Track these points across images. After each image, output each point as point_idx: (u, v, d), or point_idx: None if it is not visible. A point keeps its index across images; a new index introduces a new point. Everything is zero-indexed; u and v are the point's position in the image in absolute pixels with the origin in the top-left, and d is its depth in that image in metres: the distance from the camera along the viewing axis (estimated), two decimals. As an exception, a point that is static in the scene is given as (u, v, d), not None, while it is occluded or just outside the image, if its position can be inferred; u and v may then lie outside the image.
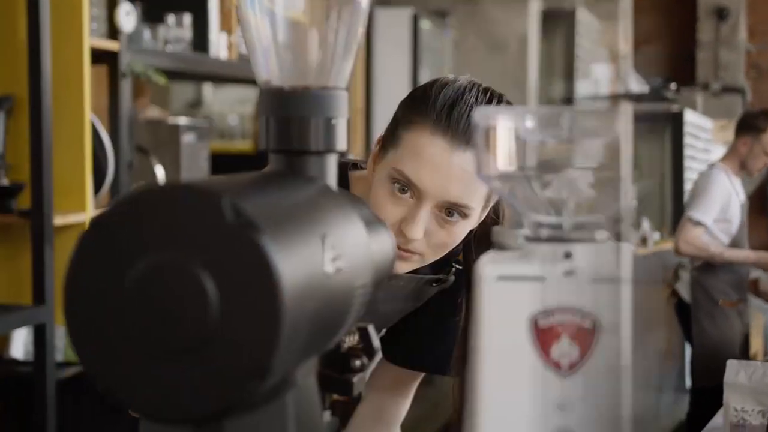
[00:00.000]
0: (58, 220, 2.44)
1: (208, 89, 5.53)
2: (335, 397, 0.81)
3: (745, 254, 4.30)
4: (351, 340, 0.83)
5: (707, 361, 4.09)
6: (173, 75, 3.19)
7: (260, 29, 0.81)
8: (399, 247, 1.21)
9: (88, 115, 2.53)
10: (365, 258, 0.78)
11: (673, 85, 6.24)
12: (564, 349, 0.68)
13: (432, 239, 1.23)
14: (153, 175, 2.90)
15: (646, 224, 6.13)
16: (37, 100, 2.38)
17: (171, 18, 3.05)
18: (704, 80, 7.31)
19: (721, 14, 9.29)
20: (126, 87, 2.72)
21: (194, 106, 5.53)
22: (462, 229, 1.24)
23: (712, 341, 4.11)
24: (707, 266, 4.28)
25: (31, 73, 2.39)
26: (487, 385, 0.69)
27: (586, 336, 0.68)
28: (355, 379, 0.79)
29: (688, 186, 6.84)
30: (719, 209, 4.17)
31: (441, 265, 1.36)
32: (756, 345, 5.13)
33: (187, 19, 3.05)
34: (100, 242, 0.65)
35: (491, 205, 1.29)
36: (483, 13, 5.42)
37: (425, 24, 5.27)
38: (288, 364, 0.64)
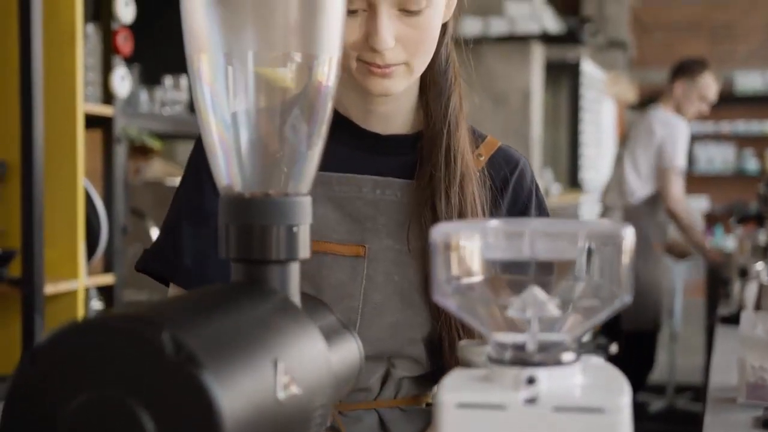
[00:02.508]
0: (50, 289, 2.42)
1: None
2: None
3: (702, 241, 4.48)
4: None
5: (638, 305, 4.06)
6: (170, 137, 3.19)
7: (221, 134, 0.79)
8: (378, 66, 1.13)
9: (82, 181, 2.52)
10: (325, 376, 0.75)
11: (588, 27, 6.23)
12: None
13: (407, 43, 1.13)
14: (148, 238, 2.88)
15: (548, 175, 6.15)
16: (29, 167, 2.37)
17: (168, 80, 3.05)
18: (594, 24, 7.31)
19: None
20: (120, 151, 2.71)
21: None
22: (433, 17, 1.14)
23: (643, 284, 4.04)
24: (644, 205, 4.29)
25: (23, 140, 2.38)
26: None
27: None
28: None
29: (584, 138, 6.93)
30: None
31: None
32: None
33: (184, 81, 3.05)
34: (37, 375, 0.62)
35: None
36: (486, 68, 5.43)
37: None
38: None
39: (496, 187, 1.24)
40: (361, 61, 1.14)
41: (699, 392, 5.01)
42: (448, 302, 0.69)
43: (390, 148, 1.24)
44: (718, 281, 4.59)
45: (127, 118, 2.77)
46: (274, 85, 0.78)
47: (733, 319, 2.76)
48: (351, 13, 1.11)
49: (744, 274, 3.20)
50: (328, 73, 0.79)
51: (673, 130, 4.29)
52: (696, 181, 10.07)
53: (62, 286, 2.48)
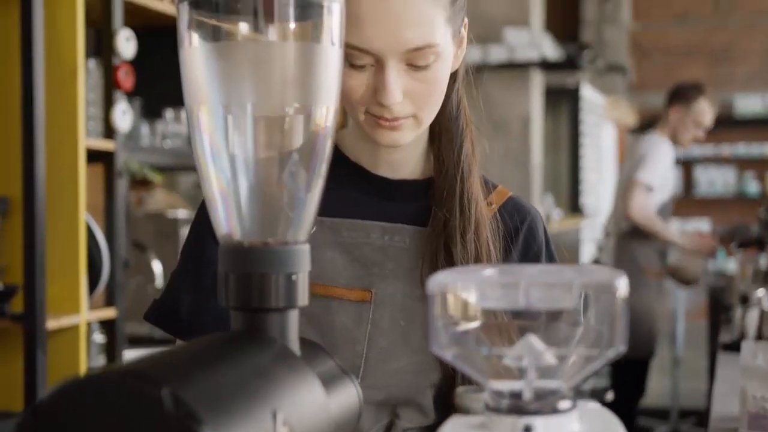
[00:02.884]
0: (52, 324, 2.43)
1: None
2: None
3: (678, 239, 4.37)
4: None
5: (630, 332, 4.03)
6: (171, 169, 3.21)
7: (220, 184, 0.80)
8: (387, 119, 1.13)
9: (83, 216, 2.53)
10: (324, 424, 0.75)
11: (587, 53, 6.26)
12: None
13: (414, 96, 1.13)
14: (150, 271, 2.89)
15: (549, 200, 6.16)
16: (31, 203, 2.38)
17: (169, 113, 3.07)
18: (592, 50, 7.33)
19: None
20: (122, 186, 2.73)
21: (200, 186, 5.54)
22: (440, 70, 1.14)
23: (635, 311, 4.04)
24: (635, 231, 4.28)
25: (25, 175, 2.40)
26: None
27: None
28: None
29: (584, 162, 6.95)
30: (661, 177, 4.22)
31: None
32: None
33: (185, 113, 3.06)
34: (38, 430, 0.63)
35: (462, 20, 1.18)
36: (486, 95, 5.45)
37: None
38: None
39: (508, 236, 1.24)
40: (370, 114, 1.14)
41: (703, 417, 5.00)
42: (445, 352, 0.70)
43: (400, 193, 1.24)
44: (720, 306, 4.58)
45: (129, 152, 2.78)
46: (273, 135, 0.80)
47: (735, 346, 2.76)
48: (359, 67, 1.11)
49: (745, 300, 3.20)
50: (325, 122, 0.80)
51: (653, 148, 4.31)
52: (697, 204, 10.09)
53: (64, 321, 2.49)
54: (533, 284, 0.70)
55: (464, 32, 1.21)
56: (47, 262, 2.44)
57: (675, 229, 4.38)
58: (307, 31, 0.80)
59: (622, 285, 0.68)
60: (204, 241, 1.23)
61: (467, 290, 0.70)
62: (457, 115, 1.25)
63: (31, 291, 2.37)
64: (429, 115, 1.16)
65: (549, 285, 0.70)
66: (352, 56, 1.10)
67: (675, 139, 4.36)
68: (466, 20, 1.19)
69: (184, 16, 0.79)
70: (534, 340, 0.70)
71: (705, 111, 4.31)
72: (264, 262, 0.78)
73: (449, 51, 1.15)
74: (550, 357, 0.70)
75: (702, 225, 9.98)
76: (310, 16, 0.80)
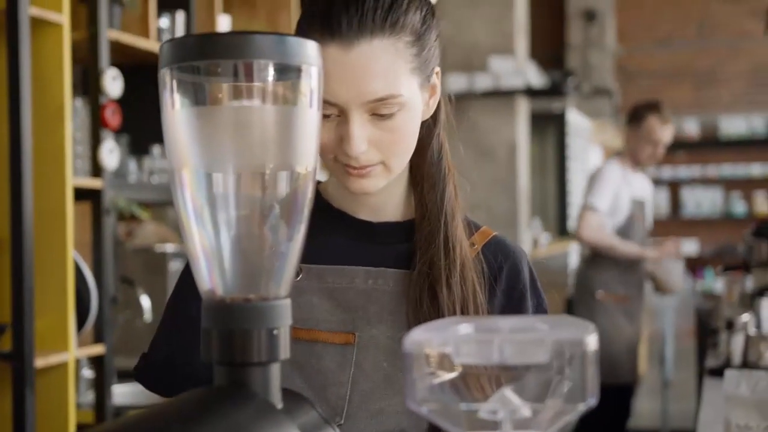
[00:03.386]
0: (40, 362, 2.43)
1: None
2: None
3: (637, 250, 4.33)
4: None
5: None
6: (160, 204, 3.23)
7: (202, 242, 0.82)
8: (354, 167, 1.14)
9: (71, 254, 2.54)
10: (306, 478, 0.77)
11: (571, 80, 6.29)
12: None
13: (380, 145, 1.14)
14: (138, 306, 2.90)
15: (537, 225, 6.18)
16: (19, 241, 2.39)
17: (156, 149, 3.10)
18: (576, 77, 7.36)
19: (589, 16, 9.52)
20: (109, 223, 2.74)
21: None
22: (406, 119, 1.15)
23: (601, 340, 3.99)
24: (593, 258, 4.30)
25: (13, 214, 2.41)
26: None
27: None
28: None
29: (571, 186, 6.99)
30: (611, 199, 4.21)
31: None
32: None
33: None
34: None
35: (432, 69, 1.19)
36: (472, 122, 5.49)
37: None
38: None
39: (492, 276, 1.25)
40: (339, 162, 1.17)
41: (693, 440, 5.01)
42: (421, 407, 0.72)
43: (382, 236, 1.26)
44: (707, 329, 4.59)
45: (116, 189, 2.80)
46: (254, 195, 0.82)
47: (721, 372, 2.77)
48: (325, 117, 1.13)
49: (730, 325, 3.23)
50: (305, 181, 0.83)
51: (602, 171, 4.35)
52: (684, 225, 10.14)
53: (53, 359, 2.50)
54: (507, 340, 0.72)
55: (436, 80, 1.22)
56: (36, 300, 2.45)
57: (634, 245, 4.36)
58: (287, 94, 0.82)
59: (592, 341, 0.71)
60: (186, 298, 1.25)
61: (443, 347, 0.72)
62: (439, 160, 1.27)
63: (19, 329, 2.38)
64: (398, 162, 1.18)
65: (522, 342, 0.72)
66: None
67: (636, 160, 4.36)
68: (438, 69, 1.21)
69: (166, 80, 0.81)
70: (509, 394, 0.73)
71: (655, 128, 4.28)
72: (246, 318, 0.80)
73: (416, 100, 1.16)
74: (525, 409, 0.73)
75: (690, 245, 10.03)
76: (289, 77, 0.83)
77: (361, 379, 1.19)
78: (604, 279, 4.29)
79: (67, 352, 2.53)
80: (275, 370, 0.81)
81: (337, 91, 1.11)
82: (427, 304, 1.19)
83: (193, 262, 0.83)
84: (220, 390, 0.79)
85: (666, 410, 5.47)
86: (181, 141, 0.82)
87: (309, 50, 0.81)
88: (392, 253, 1.25)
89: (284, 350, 0.81)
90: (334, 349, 1.20)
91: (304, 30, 1.14)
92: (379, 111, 1.13)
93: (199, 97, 0.83)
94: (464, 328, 0.75)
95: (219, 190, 0.81)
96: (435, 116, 1.26)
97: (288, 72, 0.82)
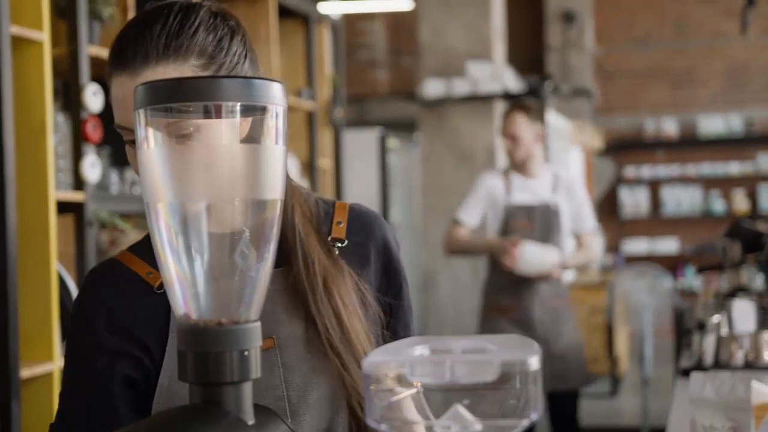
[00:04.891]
0: (25, 373, 2.48)
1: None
2: None
3: (482, 241, 4.20)
4: None
5: None
6: (142, 214, 3.28)
7: (177, 270, 0.88)
8: None
9: (54, 266, 2.59)
10: (275, 489, 0.83)
11: (548, 84, 6.29)
12: None
13: None
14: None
15: None
16: (3, 254, 2.44)
17: (137, 160, 3.15)
18: (553, 81, 7.36)
19: (568, 18, 9.63)
20: (92, 235, 2.79)
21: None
22: (214, 141, 1.12)
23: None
24: (486, 279, 4.23)
25: (-3, 228, 2.46)
26: None
27: None
28: None
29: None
30: (482, 209, 4.16)
31: None
32: None
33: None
34: None
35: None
36: (450, 127, 5.56)
37: (393, 142, 5.39)
38: None
39: (361, 252, 1.32)
40: None
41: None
42: (380, 425, 0.79)
43: None
44: (684, 328, 4.65)
45: (98, 202, 2.85)
46: (224, 225, 0.88)
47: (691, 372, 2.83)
48: (131, 143, 1.20)
49: (701, 326, 3.29)
50: (273, 210, 0.89)
51: (474, 183, 4.29)
52: (665, 224, 10.26)
53: (38, 369, 2.55)
54: (458, 361, 0.78)
55: None
56: (20, 311, 2.50)
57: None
58: (253, 132, 0.88)
59: (535, 361, 0.77)
60: (90, 353, 1.25)
61: (398, 368, 0.78)
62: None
63: (4, 341, 2.43)
64: None
65: (472, 362, 0.79)
66: (129, 135, 1.20)
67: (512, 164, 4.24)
68: None
69: (141, 120, 0.87)
70: (461, 410, 0.79)
71: (507, 121, 4.13)
72: (219, 340, 0.86)
73: (217, 122, 1.21)
74: (476, 425, 0.79)
75: (670, 244, 10.14)
76: (255, 116, 0.89)
77: (291, 376, 1.25)
78: (490, 292, 4.19)
79: (52, 363, 2.59)
80: (247, 388, 0.88)
81: (129, 118, 1.18)
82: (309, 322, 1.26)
83: (169, 288, 0.89)
84: (195, 408, 0.85)
85: (646, 407, 5.55)
86: (156, 176, 0.88)
87: (274, 91, 0.88)
88: None
89: (255, 370, 0.87)
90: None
91: (107, 63, 1.23)
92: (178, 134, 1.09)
93: (171, 136, 0.89)
94: (419, 349, 0.82)
95: (191, 221, 0.87)
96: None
97: (254, 111, 0.88)
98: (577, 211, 4.23)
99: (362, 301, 1.29)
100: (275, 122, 0.88)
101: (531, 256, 4.00)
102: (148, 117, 0.87)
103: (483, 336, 0.85)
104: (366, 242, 1.33)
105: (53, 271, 2.57)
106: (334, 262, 1.29)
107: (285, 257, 1.28)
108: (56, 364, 2.60)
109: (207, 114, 0.87)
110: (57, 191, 2.65)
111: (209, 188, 0.87)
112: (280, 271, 1.28)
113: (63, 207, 2.72)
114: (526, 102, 4.22)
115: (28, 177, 2.57)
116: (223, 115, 0.86)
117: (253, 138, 0.89)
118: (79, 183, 2.76)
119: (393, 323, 1.33)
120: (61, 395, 1.28)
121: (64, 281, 2.67)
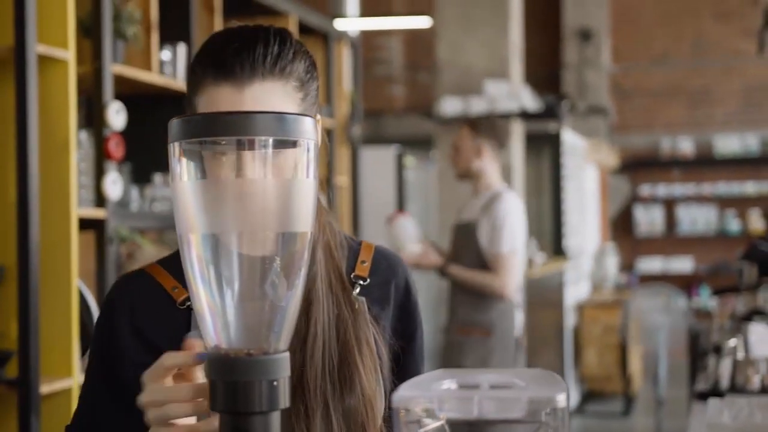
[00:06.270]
0: (45, 388, 2.50)
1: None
2: None
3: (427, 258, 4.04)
4: None
5: None
6: (162, 231, 3.30)
7: (208, 301, 0.90)
8: None
9: (76, 283, 2.62)
10: None
11: (565, 103, 6.28)
12: None
13: None
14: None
15: (533, 245, 6.22)
16: (26, 270, 2.47)
17: (158, 177, 3.17)
18: (570, 101, 7.31)
19: (585, 36, 9.61)
20: (113, 252, 2.82)
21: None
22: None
23: None
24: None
25: (20, 244, 2.49)
26: None
27: None
28: None
29: (567, 206, 7.04)
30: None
31: None
32: None
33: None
34: None
35: (314, 115, 1.22)
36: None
37: (410, 161, 5.40)
38: None
39: (382, 292, 1.33)
40: None
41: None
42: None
43: None
44: (699, 349, 4.63)
45: (119, 219, 2.88)
46: (255, 257, 0.89)
47: (707, 396, 2.82)
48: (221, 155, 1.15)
49: (718, 350, 3.28)
50: (303, 242, 0.91)
51: None
52: (679, 243, 10.22)
53: (57, 385, 2.57)
54: (486, 397, 0.80)
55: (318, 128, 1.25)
56: (41, 327, 2.52)
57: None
58: (285, 166, 0.90)
59: (562, 398, 0.78)
60: (106, 365, 1.27)
61: (428, 404, 0.80)
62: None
63: (25, 356, 2.45)
64: None
65: (499, 398, 0.80)
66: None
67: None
68: (319, 117, 1.24)
69: (175, 153, 0.89)
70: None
71: (460, 135, 4.07)
72: (248, 370, 0.88)
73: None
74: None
75: (685, 263, 10.10)
76: (287, 150, 0.90)
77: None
78: (459, 314, 4.01)
79: (71, 378, 2.61)
80: (275, 418, 0.89)
81: None
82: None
83: (200, 318, 0.90)
84: (222, 439, 0.87)
85: (660, 428, 5.54)
86: (189, 208, 0.90)
87: (305, 126, 0.89)
88: None
89: (284, 399, 0.89)
90: None
91: (197, 73, 1.20)
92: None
93: (205, 170, 0.91)
94: (447, 383, 0.83)
95: (223, 252, 0.89)
96: None
97: (286, 145, 0.89)
98: (494, 233, 3.94)
99: (371, 341, 1.28)
100: (306, 156, 0.90)
101: (400, 228, 4.03)
102: (182, 150, 0.88)
103: (511, 370, 0.86)
104: (388, 283, 1.34)
105: (74, 288, 2.60)
106: (348, 298, 1.28)
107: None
108: (75, 379, 2.62)
109: (240, 148, 0.88)
110: (79, 208, 2.67)
111: (241, 221, 0.89)
112: None
113: (84, 224, 2.75)
114: (480, 120, 4.23)
115: (51, 194, 2.60)
116: (255, 149, 0.88)
117: (284, 171, 0.90)
118: (100, 200, 2.79)
119: (403, 365, 1.31)
120: (81, 396, 1.30)
121: (85, 298, 2.69)
